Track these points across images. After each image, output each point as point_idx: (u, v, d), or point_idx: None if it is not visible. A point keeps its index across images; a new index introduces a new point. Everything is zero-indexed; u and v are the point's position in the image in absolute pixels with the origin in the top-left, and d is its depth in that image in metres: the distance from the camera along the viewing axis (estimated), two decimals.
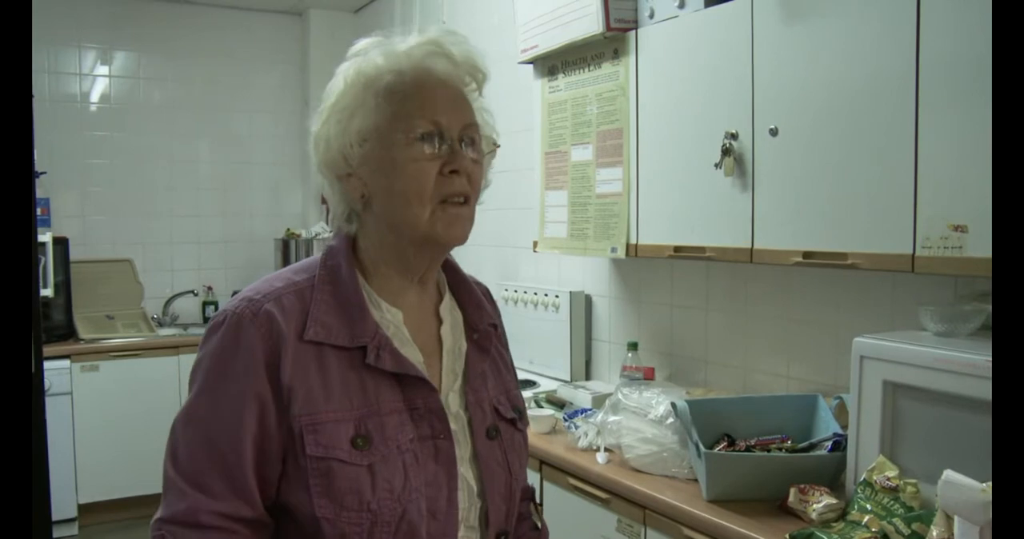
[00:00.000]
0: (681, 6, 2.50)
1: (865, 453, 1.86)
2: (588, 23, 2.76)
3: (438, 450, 1.13)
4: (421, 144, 1.11)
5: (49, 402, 4.25)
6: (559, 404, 3.00)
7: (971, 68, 1.70)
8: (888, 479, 1.75)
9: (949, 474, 1.52)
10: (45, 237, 4.54)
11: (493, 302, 1.36)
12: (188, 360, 4.73)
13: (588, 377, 3.45)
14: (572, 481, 2.47)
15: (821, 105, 2.04)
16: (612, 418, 2.42)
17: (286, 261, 5.28)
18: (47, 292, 4.55)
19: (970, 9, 1.70)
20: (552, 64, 3.09)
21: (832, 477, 1.98)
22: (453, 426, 1.16)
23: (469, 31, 4.10)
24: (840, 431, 2.02)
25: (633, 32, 2.68)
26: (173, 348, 4.83)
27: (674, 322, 3.01)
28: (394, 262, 1.18)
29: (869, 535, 1.69)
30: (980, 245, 1.71)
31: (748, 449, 2.09)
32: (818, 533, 1.75)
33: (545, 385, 3.36)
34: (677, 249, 2.51)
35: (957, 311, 1.85)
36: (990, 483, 1.44)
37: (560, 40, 2.92)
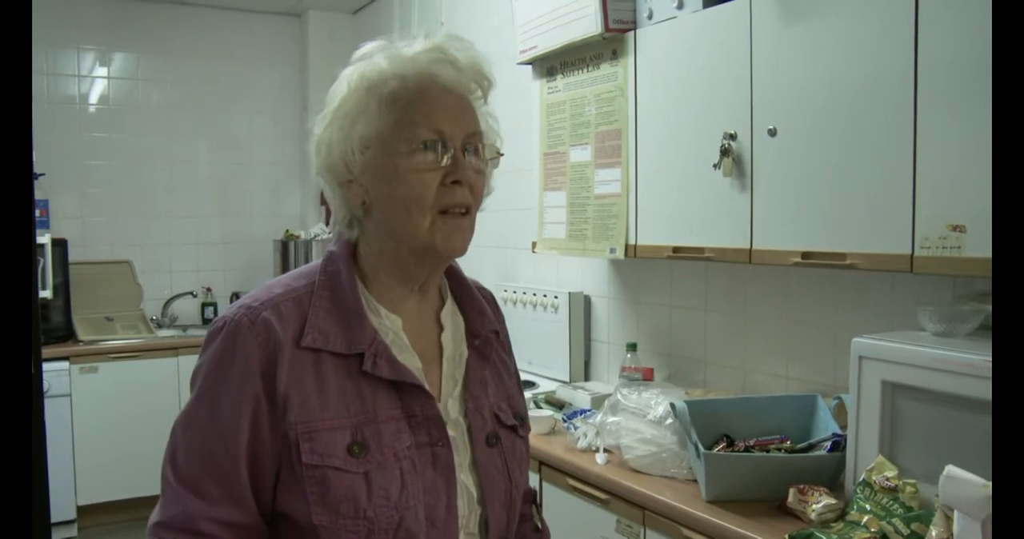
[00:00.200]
0: (680, 7, 2.50)
1: (864, 453, 1.86)
2: (587, 24, 2.76)
3: (436, 457, 1.13)
4: (424, 153, 1.10)
5: (48, 404, 4.26)
6: (558, 405, 3.00)
7: (970, 68, 1.70)
8: (887, 479, 1.76)
9: (951, 469, 1.52)
10: (44, 239, 4.54)
11: (497, 308, 1.36)
12: (187, 361, 4.75)
13: (587, 378, 3.45)
14: (571, 482, 2.47)
15: (820, 105, 2.04)
16: (611, 419, 2.42)
17: (285, 262, 5.28)
18: (46, 294, 4.55)
19: (969, 9, 1.70)
20: (551, 65, 3.10)
21: (831, 477, 1.98)
22: (452, 433, 1.16)
23: (468, 32, 4.10)
24: (839, 431, 2.02)
25: (632, 33, 2.68)
26: (172, 349, 4.83)
27: (673, 323, 3.01)
28: (394, 270, 1.17)
29: (868, 535, 1.69)
30: (978, 245, 1.71)
31: (747, 449, 2.10)
32: (817, 533, 1.75)
33: (544, 386, 3.36)
34: (676, 250, 2.51)
35: (956, 311, 1.85)
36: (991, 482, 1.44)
37: (559, 41, 2.92)
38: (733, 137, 2.27)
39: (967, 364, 1.65)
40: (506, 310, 3.64)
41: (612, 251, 2.78)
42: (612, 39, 2.73)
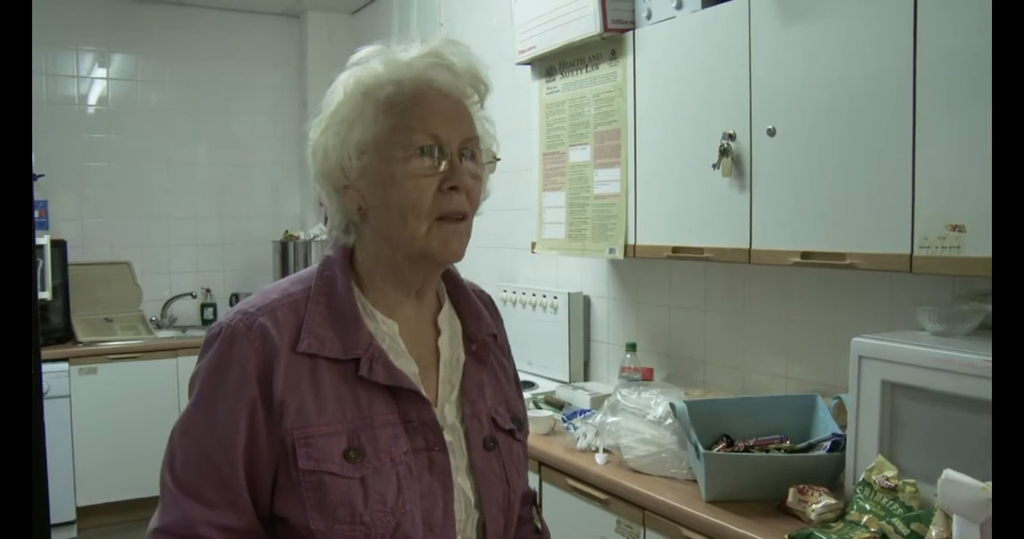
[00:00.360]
0: (679, 7, 2.50)
1: (864, 453, 1.86)
2: (586, 24, 2.76)
3: (433, 462, 1.13)
4: (420, 158, 1.10)
5: (47, 405, 4.25)
6: (558, 405, 3.00)
7: (969, 68, 1.71)
8: (887, 479, 1.75)
9: (949, 473, 1.52)
10: (43, 240, 4.54)
11: (495, 311, 1.35)
12: (186, 362, 4.75)
13: (587, 378, 3.45)
14: (571, 482, 2.47)
15: (819, 105, 2.04)
16: (611, 419, 2.42)
17: (284, 263, 5.28)
18: (45, 295, 4.55)
19: (968, 9, 1.70)
20: (550, 65, 3.10)
21: (831, 477, 1.98)
22: (449, 438, 1.16)
23: (466, 33, 4.11)
24: (839, 431, 2.02)
25: (631, 33, 2.68)
26: (171, 350, 4.83)
27: (672, 323, 3.01)
28: (390, 275, 1.17)
29: (868, 535, 1.69)
30: (978, 245, 1.71)
31: (747, 449, 2.09)
32: (817, 533, 1.75)
33: (544, 386, 3.36)
34: (675, 250, 2.51)
35: (955, 311, 1.85)
36: (991, 482, 1.44)
37: (558, 41, 2.92)
38: (732, 137, 2.27)
39: (967, 364, 1.65)
40: (505, 311, 3.66)
41: (611, 251, 2.78)
42: (611, 39, 2.74)
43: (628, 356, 2.93)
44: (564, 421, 2.67)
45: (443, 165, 1.10)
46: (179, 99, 5.47)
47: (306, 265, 1.24)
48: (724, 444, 2.13)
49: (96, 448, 4.57)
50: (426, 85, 1.13)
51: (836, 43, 1.99)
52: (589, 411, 2.73)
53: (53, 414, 4.33)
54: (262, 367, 1.08)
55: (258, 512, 1.10)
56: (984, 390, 1.61)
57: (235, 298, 5.41)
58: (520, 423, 1.28)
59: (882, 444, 1.83)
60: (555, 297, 3.45)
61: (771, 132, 2.16)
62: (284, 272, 5.18)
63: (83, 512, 4.60)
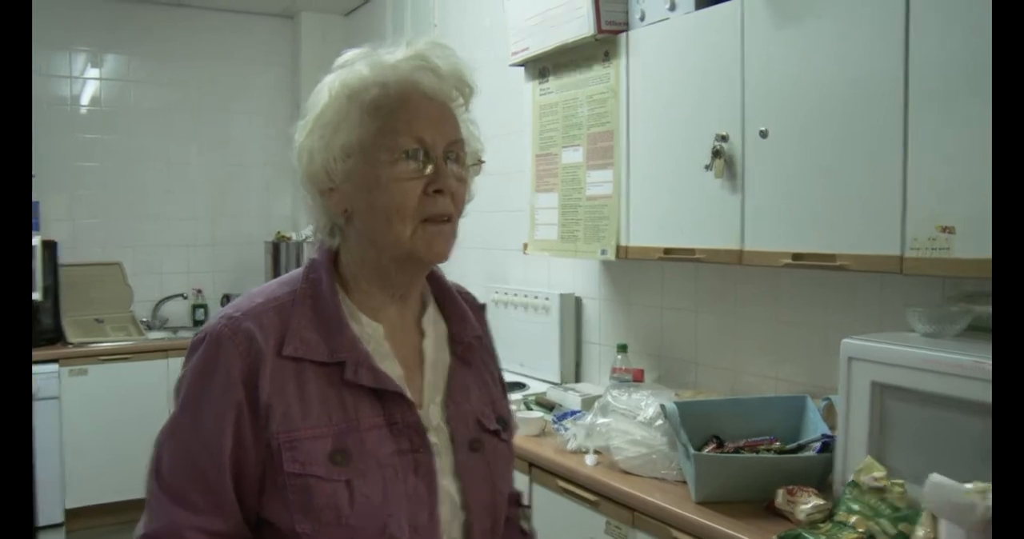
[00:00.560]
0: (672, 8, 2.50)
1: (853, 454, 1.86)
2: (579, 25, 2.76)
3: (418, 464, 1.13)
4: (405, 162, 1.10)
5: (37, 407, 4.24)
6: (549, 406, 2.99)
7: (961, 71, 1.71)
8: (875, 479, 1.75)
9: (935, 477, 1.52)
10: (34, 241, 4.52)
11: (480, 313, 1.35)
12: (177, 363, 4.67)
13: (578, 379, 3.45)
14: (561, 483, 2.47)
15: (811, 107, 2.04)
16: (601, 420, 2.42)
17: (276, 264, 5.27)
18: (36, 296, 4.52)
19: (958, 12, 1.71)
20: (543, 66, 3.10)
21: (820, 478, 1.98)
22: (434, 439, 1.15)
23: (460, 34, 4.11)
24: (828, 432, 2.02)
25: (624, 34, 2.68)
26: (162, 352, 4.81)
27: (664, 324, 3.01)
28: (375, 277, 1.17)
29: (856, 535, 1.68)
30: (968, 246, 1.72)
31: (737, 451, 2.09)
32: (805, 534, 1.75)
33: (535, 387, 3.35)
34: (667, 251, 2.51)
35: (944, 312, 1.85)
36: (975, 484, 1.43)
37: (551, 42, 2.92)
38: (725, 138, 2.27)
39: (956, 365, 1.65)
40: (496, 312, 3.67)
41: (603, 253, 2.78)
42: (604, 40, 2.74)
43: (619, 357, 2.92)
44: (555, 422, 2.67)
45: (428, 168, 1.11)
46: (172, 99, 5.46)
47: (298, 266, 1.24)
48: (714, 445, 2.13)
49: (86, 450, 4.55)
50: (411, 88, 1.13)
51: (828, 45, 2.00)
52: (580, 412, 2.73)
53: (43, 416, 4.31)
54: (247, 371, 1.08)
55: (245, 516, 1.10)
56: (974, 391, 1.61)
57: (226, 299, 5.40)
58: (505, 424, 1.28)
59: (871, 445, 1.83)
60: (546, 298, 3.45)
61: (763, 134, 2.16)
62: (276, 273, 5.17)
63: (72, 514, 4.58)
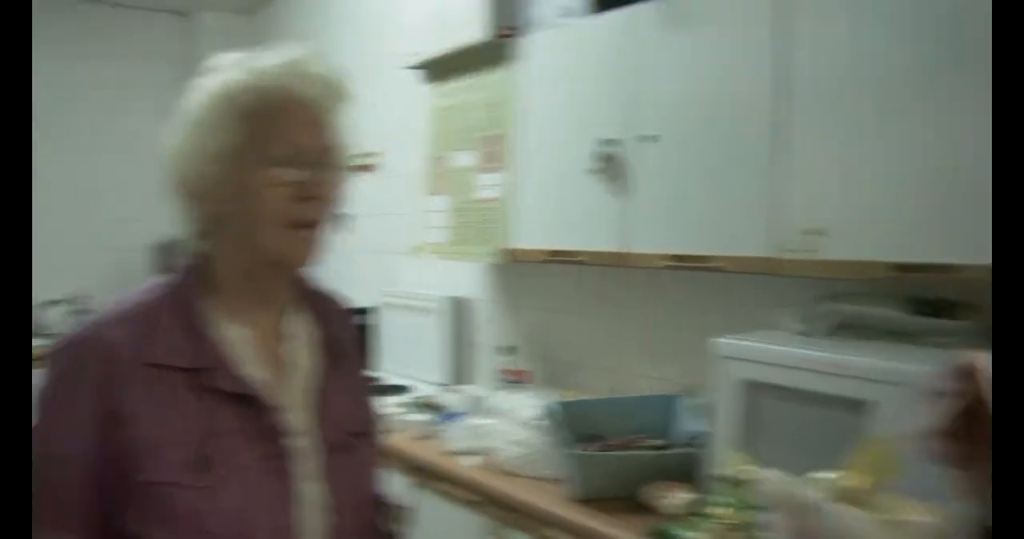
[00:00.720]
0: (567, 14, 2.54)
1: (724, 449, 1.90)
2: (474, 29, 2.77)
3: (280, 469, 1.11)
4: (277, 168, 1.09)
5: None
6: (434, 408, 2.97)
7: (839, 81, 1.79)
8: (744, 473, 1.79)
9: (766, 472, 1.56)
10: None
11: (349, 316, 1.35)
12: None
13: (465, 381, 3.43)
14: (444, 486, 2.45)
15: (698, 114, 2.10)
16: (484, 421, 2.42)
17: (158, 268, 5.11)
18: None
19: (837, 24, 1.80)
20: (438, 69, 3.10)
21: (693, 473, 2.02)
22: (301, 443, 1.14)
23: (358, 36, 4.09)
24: (701, 429, 2.07)
25: (519, 39, 2.70)
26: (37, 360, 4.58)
27: (550, 326, 3.03)
28: (243, 282, 1.16)
29: (719, 525, 1.72)
30: (837, 248, 1.79)
31: (615, 449, 2.12)
32: (675, 528, 1.78)
33: (422, 390, 3.33)
34: (553, 253, 2.53)
35: (815, 312, 1.92)
36: (806, 476, 1.48)
37: (446, 45, 2.92)
38: (613, 143, 2.30)
39: (825, 363, 1.71)
40: (386, 315, 3.63)
41: (492, 255, 2.79)
42: (499, 45, 2.75)
43: (506, 359, 2.93)
44: (439, 424, 2.65)
45: (299, 174, 1.09)
46: (57, 96, 5.24)
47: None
48: (594, 444, 2.15)
49: None
50: (285, 94, 1.11)
51: (715, 53, 2.06)
52: (465, 414, 2.72)
53: None
54: (105, 379, 1.04)
55: (101, 529, 1.05)
56: (842, 388, 1.67)
57: (98, 306, 5.19)
58: (371, 426, 1.28)
59: (741, 441, 1.87)
60: (436, 301, 3.44)
61: (650, 139, 2.20)
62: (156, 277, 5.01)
63: None
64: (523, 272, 3.14)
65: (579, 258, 2.42)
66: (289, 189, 1.09)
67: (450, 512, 2.42)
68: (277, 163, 1.09)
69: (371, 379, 1.37)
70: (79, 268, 5.37)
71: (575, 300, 2.92)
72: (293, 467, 1.12)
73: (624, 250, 2.28)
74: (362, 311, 3.69)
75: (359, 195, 3.92)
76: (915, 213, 1.69)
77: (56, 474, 1.03)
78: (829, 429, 1.71)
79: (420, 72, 3.19)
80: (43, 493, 1.02)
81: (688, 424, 2.16)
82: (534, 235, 2.62)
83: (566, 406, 2.19)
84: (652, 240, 2.20)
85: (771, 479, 1.53)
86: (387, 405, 2.87)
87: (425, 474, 2.54)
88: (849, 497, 1.05)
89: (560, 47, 2.56)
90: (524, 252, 2.66)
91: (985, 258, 1.34)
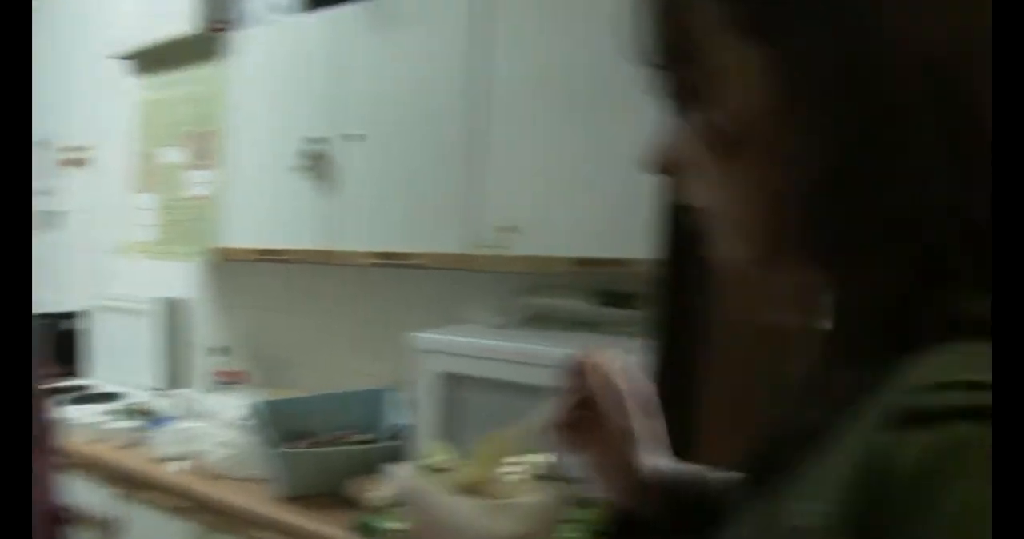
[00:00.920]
0: (279, 11, 2.51)
1: (426, 440, 1.97)
2: (185, 21, 2.68)
3: None
4: None
5: None
6: (144, 414, 2.84)
7: (531, 84, 1.91)
8: (442, 463, 1.87)
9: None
10: None
11: None
12: None
13: (181, 385, 3.30)
14: (152, 494, 2.35)
15: (400, 114, 2.15)
16: (192, 424, 2.35)
17: None
18: None
19: (533, 31, 1.91)
20: (146, 61, 2.96)
21: (398, 465, 2.07)
22: None
23: (65, 21, 3.81)
24: (406, 422, 2.13)
25: (231, 33, 2.64)
26: None
27: (264, 325, 2.99)
28: None
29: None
30: (528, 245, 1.91)
31: (324, 445, 2.13)
32: (375, 519, 1.82)
33: (135, 396, 3.16)
34: (263, 252, 2.50)
35: (509, 305, 2.03)
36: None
37: (155, 37, 2.80)
38: (322, 141, 2.31)
39: (516, 353, 1.82)
40: (98, 319, 3.41)
41: (202, 254, 2.71)
42: (210, 38, 2.67)
43: (221, 360, 2.85)
44: (147, 431, 2.54)
45: None
46: None
47: None
48: (303, 441, 2.15)
49: None
50: None
51: (421, 53, 2.12)
52: (175, 418, 2.62)
53: None
54: None
55: None
56: (534, 376, 1.78)
57: None
58: (46, 436, 1.22)
59: (442, 431, 1.95)
60: (149, 303, 3.27)
61: (357, 137, 2.23)
62: None
63: None
64: (235, 271, 3.07)
65: (288, 257, 2.41)
66: None
67: (159, 521, 2.33)
68: None
69: (46, 387, 1.30)
70: None
71: (286, 299, 2.90)
72: None
73: (331, 248, 2.29)
74: (69, 316, 3.45)
75: (69, 192, 3.79)
76: (593, 211, 1.83)
77: None
78: (525, 417, 1.81)
79: (129, 62, 3.03)
80: None
81: (395, 418, 2.21)
82: (244, 234, 2.58)
83: (272, 405, 2.17)
84: (358, 238, 2.23)
85: (400, 474, 1.62)
86: (94, 413, 2.71)
87: (131, 484, 2.42)
88: (467, 487, 1.13)
89: (271, 44, 2.53)
90: (234, 251, 2.61)
91: (650, 253, 1.50)
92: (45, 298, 2.97)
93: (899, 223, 0.48)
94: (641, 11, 0.54)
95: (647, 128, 0.55)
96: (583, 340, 1.88)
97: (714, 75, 0.51)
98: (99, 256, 3.64)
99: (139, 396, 3.15)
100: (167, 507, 2.30)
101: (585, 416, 0.83)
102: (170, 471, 2.33)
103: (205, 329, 3.22)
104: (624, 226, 1.78)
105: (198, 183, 2.73)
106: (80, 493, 1.99)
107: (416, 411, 1.99)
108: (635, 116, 1.77)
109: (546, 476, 1.47)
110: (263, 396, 2.45)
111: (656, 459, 0.82)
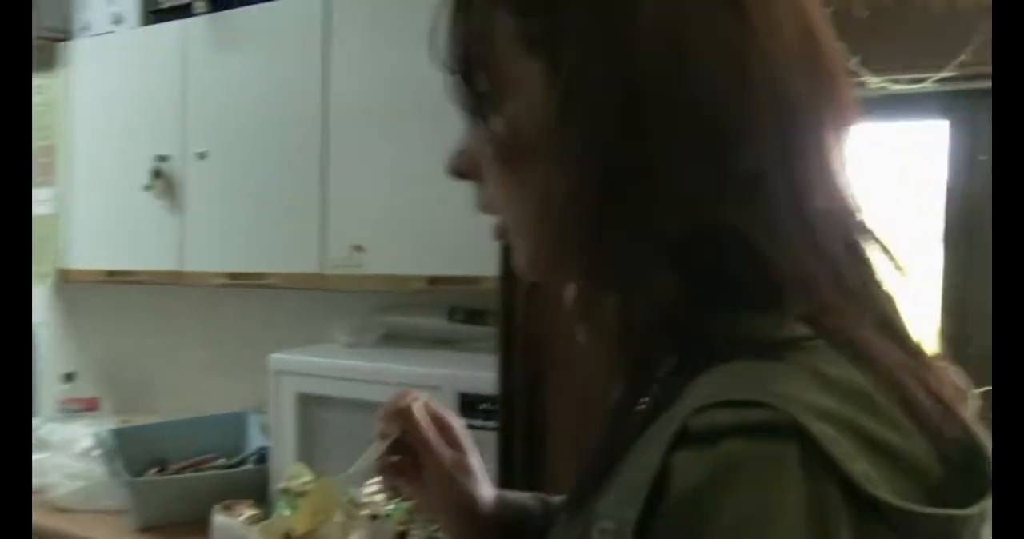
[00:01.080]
0: (117, 22, 2.43)
1: (285, 463, 1.94)
2: None
3: None
4: None
5: None
6: None
7: (372, 104, 1.91)
8: (303, 485, 1.85)
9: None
10: None
11: None
12: None
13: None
14: None
15: (247, 130, 2.12)
16: (37, 457, 2.24)
17: None
18: None
19: (372, 51, 1.91)
20: None
21: (260, 489, 2.04)
22: None
23: None
24: (265, 445, 2.10)
25: (66, 43, 2.53)
26: None
27: (115, 349, 2.88)
28: None
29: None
30: (378, 264, 1.91)
31: (180, 472, 2.08)
32: None
33: None
34: (110, 273, 2.42)
35: (363, 324, 2.03)
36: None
37: None
38: (166, 159, 2.25)
39: (369, 372, 1.82)
40: None
41: (45, 276, 2.59)
42: (44, 48, 2.55)
43: (67, 387, 2.73)
44: None
45: None
46: None
47: None
48: (157, 469, 2.10)
49: None
50: None
51: (262, 71, 2.09)
52: None
53: None
54: None
55: None
56: (386, 395, 1.77)
57: None
58: None
59: (301, 453, 1.93)
60: None
61: (202, 155, 2.18)
62: None
63: None
64: (82, 293, 2.94)
65: (137, 278, 2.34)
66: None
67: None
68: None
69: None
70: None
71: (137, 321, 2.80)
72: None
73: (180, 269, 2.24)
74: None
75: None
76: (441, 229, 1.84)
77: None
78: (353, 463, 1.81)
79: None
80: None
81: (257, 440, 2.18)
82: (89, 254, 2.48)
83: (120, 433, 2.10)
84: (207, 258, 2.19)
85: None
86: None
87: None
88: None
89: (111, 56, 2.44)
90: (80, 272, 2.51)
91: (495, 270, 1.53)
92: None
93: (672, 243, 0.49)
94: (444, 19, 0.56)
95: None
96: (439, 358, 1.89)
97: (503, 85, 0.53)
98: None
99: None
100: None
101: (403, 459, 0.83)
102: None
103: (52, 355, 3.07)
104: (473, 243, 1.79)
105: (39, 201, 2.61)
106: None
107: (274, 433, 1.97)
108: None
109: (378, 516, 1.48)
110: (116, 423, 2.37)
111: (492, 490, 0.84)
